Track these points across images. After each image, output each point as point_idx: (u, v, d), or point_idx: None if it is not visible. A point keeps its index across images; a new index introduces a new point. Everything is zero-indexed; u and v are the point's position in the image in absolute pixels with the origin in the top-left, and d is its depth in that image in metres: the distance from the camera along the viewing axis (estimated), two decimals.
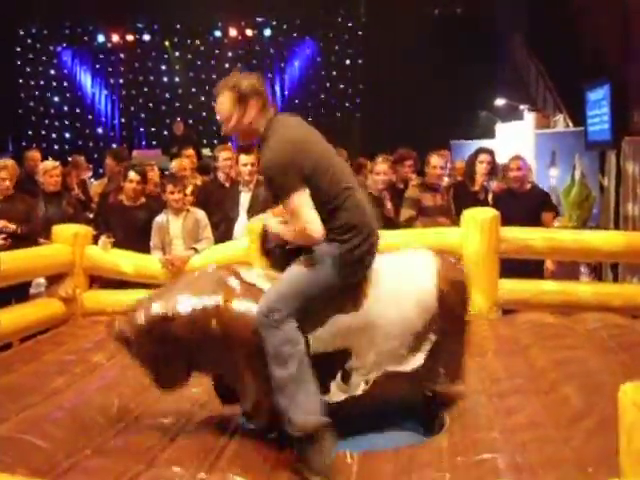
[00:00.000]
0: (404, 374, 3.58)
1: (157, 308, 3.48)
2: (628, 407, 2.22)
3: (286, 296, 3.36)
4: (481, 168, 6.85)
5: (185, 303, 3.47)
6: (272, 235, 3.67)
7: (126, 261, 6.26)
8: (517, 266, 6.06)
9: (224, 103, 3.55)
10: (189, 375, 3.64)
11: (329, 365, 3.54)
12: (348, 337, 3.55)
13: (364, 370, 3.57)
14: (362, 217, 3.46)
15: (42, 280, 6.41)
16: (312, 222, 3.30)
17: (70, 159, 9.47)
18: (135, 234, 6.37)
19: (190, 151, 8.85)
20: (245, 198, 6.70)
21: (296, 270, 3.43)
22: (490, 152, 7.02)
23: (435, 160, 6.76)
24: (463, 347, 3.89)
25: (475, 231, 5.79)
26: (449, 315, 3.68)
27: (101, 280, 6.64)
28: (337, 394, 3.55)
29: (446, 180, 7.33)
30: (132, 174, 6.55)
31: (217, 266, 3.81)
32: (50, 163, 7.26)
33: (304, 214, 3.30)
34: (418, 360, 3.62)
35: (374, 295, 3.58)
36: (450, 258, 4.00)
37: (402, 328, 3.57)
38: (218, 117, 3.61)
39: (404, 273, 3.71)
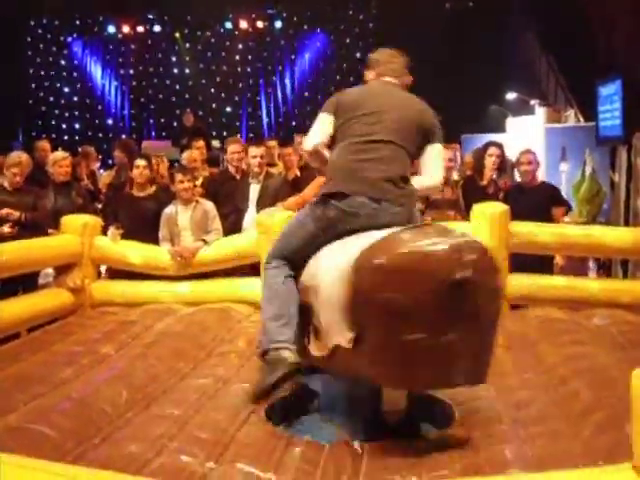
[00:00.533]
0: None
1: None
2: None
3: (275, 243, 3.99)
4: (490, 162, 6.82)
5: None
6: None
7: (134, 252, 6.27)
8: (527, 261, 6.04)
9: None
10: None
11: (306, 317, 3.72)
12: (307, 293, 3.70)
13: (322, 334, 3.57)
14: (338, 172, 3.76)
15: (50, 270, 6.43)
16: (308, 135, 3.99)
17: (80, 149, 9.48)
18: (144, 225, 6.38)
19: (201, 142, 8.85)
20: (254, 190, 6.70)
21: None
22: (499, 146, 6.99)
23: (445, 153, 6.73)
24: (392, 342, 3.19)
25: (485, 226, 5.77)
26: (365, 302, 3.22)
27: (110, 271, 6.66)
28: (313, 348, 3.66)
29: (455, 174, 7.30)
30: (139, 160, 6.60)
31: None
32: (60, 154, 7.27)
33: (312, 128, 3.99)
34: (341, 338, 3.37)
35: (326, 263, 3.61)
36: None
37: (330, 303, 3.45)
38: None
39: (351, 247, 3.46)
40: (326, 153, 3.95)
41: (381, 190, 3.67)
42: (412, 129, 3.88)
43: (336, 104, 3.94)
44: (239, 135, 18.72)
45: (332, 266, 3.54)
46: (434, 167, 3.99)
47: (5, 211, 6.25)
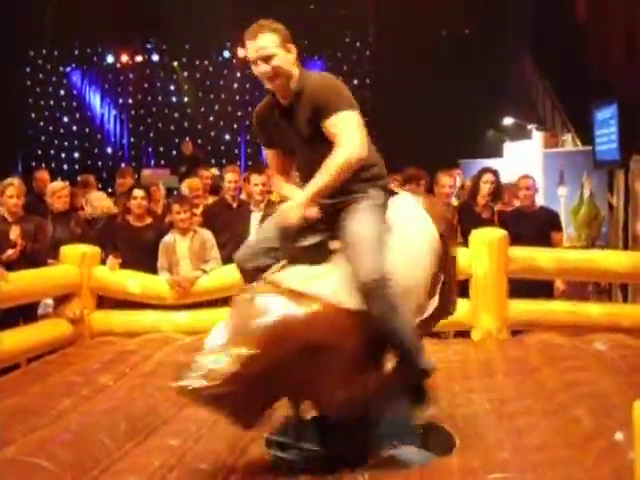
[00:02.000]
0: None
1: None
2: None
3: (375, 251, 3.29)
4: (485, 188, 6.81)
5: None
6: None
7: (133, 282, 6.27)
8: (527, 286, 6.04)
9: (268, 43, 3.56)
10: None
11: None
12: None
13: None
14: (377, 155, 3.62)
15: (50, 301, 6.41)
16: (364, 142, 3.37)
17: (79, 178, 9.48)
18: (142, 254, 6.38)
19: (207, 172, 8.91)
20: (256, 218, 6.70)
21: (364, 224, 3.36)
22: (494, 172, 6.99)
23: (445, 179, 6.75)
24: (454, 279, 3.92)
25: (483, 251, 5.78)
26: (448, 252, 3.74)
27: (109, 301, 6.65)
28: None
29: (454, 200, 7.32)
30: (136, 191, 6.59)
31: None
32: (58, 184, 7.27)
33: (360, 132, 3.37)
34: (433, 304, 3.66)
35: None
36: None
37: (419, 281, 3.54)
38: (255, 56, 3.58)
39: (402, 223, 3.56)
40: None
41: None
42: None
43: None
44: (238, 163, 18.77)
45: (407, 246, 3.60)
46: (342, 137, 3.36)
47: (16, 234, 6.17)
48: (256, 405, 3.28)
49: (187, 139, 14.25)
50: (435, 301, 3.68)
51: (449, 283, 3.78)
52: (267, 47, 3.53)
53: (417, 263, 3.53)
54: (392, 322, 3.29)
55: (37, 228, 6.41)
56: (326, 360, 3.25)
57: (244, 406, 3.22)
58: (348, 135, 3.33)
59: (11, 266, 5.92)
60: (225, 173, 7.34)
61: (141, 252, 6.40)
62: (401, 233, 3.53)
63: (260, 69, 3.53)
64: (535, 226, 6.54)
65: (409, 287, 3.47)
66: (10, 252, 6.01)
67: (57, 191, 6.95)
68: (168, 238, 6.34)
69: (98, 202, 7.42)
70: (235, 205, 7.00)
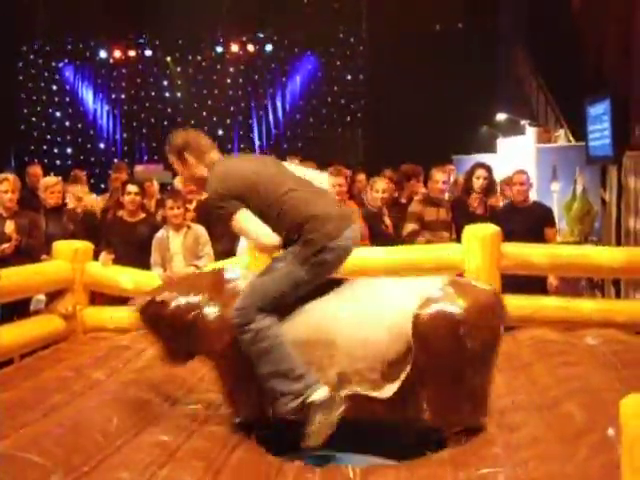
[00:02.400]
0: (380, 400, 3.54)
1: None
2: (630, 419, 2.20)
3: (253, 297, 3.64)
4: (477, 183, 6.83)
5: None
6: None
7: (126, 277, 6.24)
8: (520, 282, 6.03)
9: (172, 164, 3.96)
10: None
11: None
12: (306, 349, 3.61)
13: (330, 386, 3.57)
14: (308, 212, 3.63)
15: (42, 297, 6.38)
16: (260, 234, 3.69)
17: (71, 174, 9.45)
18: (135, 250, 6.37)
19: None
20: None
21: (262, 274, 3.77)
22: (486, 167, 7.01)
23: (438, 175, 6.75)
24: (474, 384, 3.63)
25: (476, 247, 5.77)
26: (432, 346, 3.50)
27: (103, 296, 6.63)
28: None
29: (447, 195, 7.33)
30: (130, 186, 6.58)
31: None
32: (51, 179, 7.25)
33: (250, 229, 3.71)
34: (392, 389, 3.53)
35: (343, 311, 3.63)
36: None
37: (367, 351, 3.51)
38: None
39: (392, 296, 3.65)
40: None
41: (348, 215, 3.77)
42: None
43: (234, 192, 3.71)
44: None
45: (368, 315, 3.60)
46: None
47: (12, 228, 6.14)
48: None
49: None
50: (393, 387, 3.53)
51: (440, 380, 3.56)
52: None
53: (365, 335, 3.54)
54: (255, 365, 3.60)
55: (31, 223, 6.39)
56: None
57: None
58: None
59: (6, 261, 5.90)
60: None
61: (134, 248, 6.39)
62: (368, 303, 3.61)
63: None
64: (528, 221, 6.55)
65: (350, 352, 3.53)
66: (5, 246, 6.00)
67: (50, 186, 6.94)
68: (161, 234, 6.32)
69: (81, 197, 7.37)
70: None
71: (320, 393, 3.46)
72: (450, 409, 3.58)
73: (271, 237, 3.66)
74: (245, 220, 3.68)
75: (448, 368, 3.53)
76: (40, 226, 6.55)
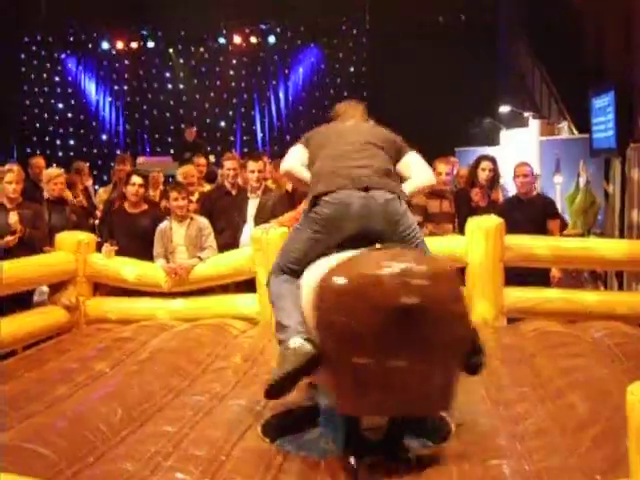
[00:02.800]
0: None
1: None
2: (636, 406, 2.20)
3: (277, 258, 3.93)
4: (483, 175, 6.84)
5: None
6: None
7: (129, 269, 6.25)
8: (523, 274, 6.04)
9: None
10: None
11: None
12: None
13: None
14: (314, 170, 3.90)
15: (45, 288, 6.39)
16: (285, 160, 4.12)
17: (73, 165, 9.45)
18: (138, 242, 6.37)
19: (202, 160, 8.91)
20: (253, 205, 6.70)
21: None
22: (492, 159, 7.01)
23: (441, 167, 6.74)
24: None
25: (480, 239, 5.78)
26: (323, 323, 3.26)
27: (105, 288, 6.64)
28: None
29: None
30: (134, 177, 6.56)
31: None
32: (54, 171, 7.24)
33: (286, 157, 4.14)
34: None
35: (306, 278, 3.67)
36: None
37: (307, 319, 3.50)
38: None
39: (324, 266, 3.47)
40: (304, 173, 4.02)
41: (366, 181, 3.73)
42: (384, 144, 4.03)
43: (308, 137, 4.14)
44: (234, 150, 18.73)
45: (305, 283, 3.61)
46: (420, 168, 4.13)
47: (15, 219, 6.14)
48: None
49: (193, 126, 14.16)
50: None
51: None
52: None
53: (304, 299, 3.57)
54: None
55: (35, 215, 6.39)
56: None
57: None
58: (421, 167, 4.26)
59: (10, 252, 5.91)
60: (224, 161, 7.32)
61: (136, 239, 6.39)
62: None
63: None
64: (532, 213, 6.56)
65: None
66: (10, 238, 6.00)
67: (53, 178, 6.93)
68: (164, 225, 6.32)
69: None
70: (234, 192, 6.99)
71: (295, 341, 3.40)
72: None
73: (285, 166, 4.09)
74: (291, 150, 4.12)
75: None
76: (43, 217, 6.56)
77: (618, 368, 4.29)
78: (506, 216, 6.06)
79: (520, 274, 6.02)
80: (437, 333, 3.06)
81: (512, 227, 5.95)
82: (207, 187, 8.25)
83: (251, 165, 6.74)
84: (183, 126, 15.32)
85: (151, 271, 6.24)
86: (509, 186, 8.31)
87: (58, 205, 6.91)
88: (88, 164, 10.17)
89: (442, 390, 3.17)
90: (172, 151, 17.63)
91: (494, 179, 6.93)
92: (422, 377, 3.08)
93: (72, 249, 6.21)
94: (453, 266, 3.43)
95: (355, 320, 3.05)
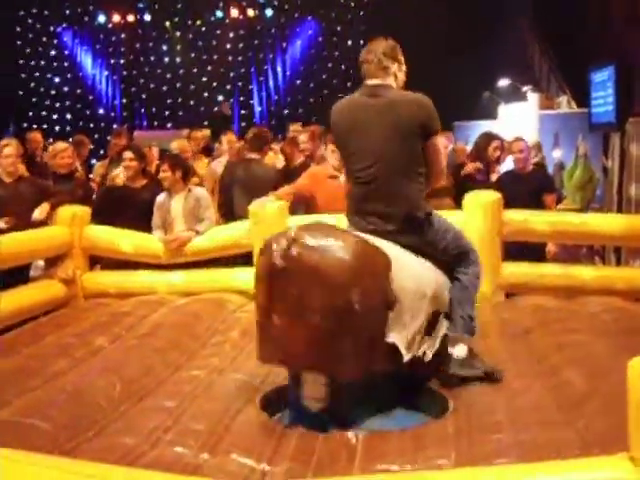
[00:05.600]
0: None
1: None
2: (636, 381, 2.21)
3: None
4: (494, 154, 6.93)
5: None
6: None
7: (126, 240, 6.24)
8: (519, 248, 6.04)
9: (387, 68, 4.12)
10: None
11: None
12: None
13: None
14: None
15: (41, 263, 6.37)
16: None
17: (72, 138, 9.40)
18: (137, 215, 6.36)
19: (200, 133, 8.90)
20: None
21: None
22: (499, 138, 7.11)
23: (441, 141, 6.73)
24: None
25: (478, 214, 5.77)
26: None
27: (103, 260, 6.63)
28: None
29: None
30: (126, 152, 6.60)
31: None
32: (61, 145, 7.14)
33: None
34: None
35: None
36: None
37: None
38: None
39: None
40: None
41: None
42: (401, 135, 3.86)
43: (332, 130, 4.16)
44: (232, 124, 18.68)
45: None
46: (433, 164, 4.01)
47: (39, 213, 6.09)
48: None
49: (227, 100, 14.13)
50: None
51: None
52: None
53: None
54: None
55: (40, 191, 6.28)
56: None
57: None
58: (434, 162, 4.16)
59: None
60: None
61: (135, 213, 6.37)
62: None
63: None
64: (529, 188, 6.57)
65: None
66: (2, 225, 5.92)
67: (59, 152, 6.86)
68: (162, 197, 6.31)
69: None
70: None
71: None
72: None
73: None
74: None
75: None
76: (51, 194, 6.41)
77: (615, 343, 4.29)
78: (503, 190, 6.06)
79: (516, 249, 6.03)
80: (307, 298, 3.38)
81: (509, 201, 5.95)
82: (205, 161, 8.24)
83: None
84: (170, 101, 15.36)
85: (148, 242, 6.23)
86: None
87: (66, 180, 6.83)
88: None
89: (321, 353, 3.44)
90: (169, 124, 17.59)
91: (501, 157, 7.02)
92: (299, 336, 3.42)
93: (67, 222, 6.18)
94: (361, 248, 3.53)
95: (256, 281, 3.60)
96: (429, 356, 3.76)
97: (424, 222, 3.89)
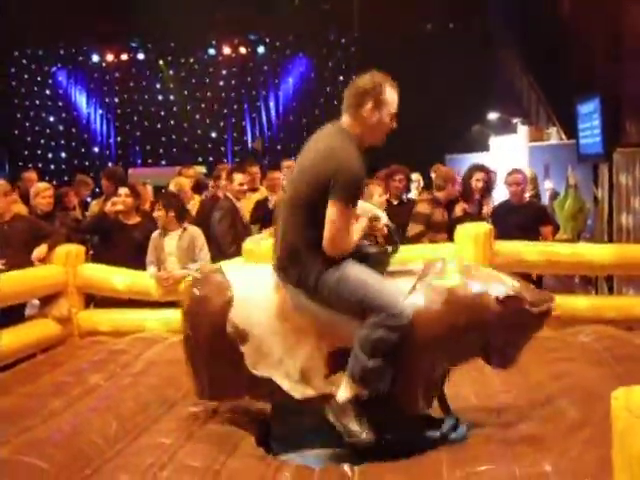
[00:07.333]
0: None
1: None
2: (620, 411, 2.25)
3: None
4: (477, 185, 6.93)
5: None
6: None
7: (119, 278, 6.28)
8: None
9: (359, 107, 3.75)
10: None
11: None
12: None
13: None
14: None
15: (37, 301, 6.40)
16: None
17: (77, 177, 9.51)
18: (130, 252, 6.42)
19: (191, 171, 9.00)
20: None
21: None
22: (484, 170, 7.10)
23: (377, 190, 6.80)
24: None
25: (469, 245, 5.81)
26: None
27: (96, 299, 6.66)
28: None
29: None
30: (121, 189, 6.67)
31: None
32: (42, 185, 7.29)
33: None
34: None
35: None
36: None
37: None
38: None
39: None
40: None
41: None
42: (303, 183, 3.55)
43: None
44: (225, 160, 18.78)
45: None
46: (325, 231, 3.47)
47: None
48: None
49: (259, 137, 14.26)
50: None
51: None
52: None
53: None
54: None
55: (32, 226, 6.33)
56: None
57: None
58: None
59: None
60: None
61: (128, 250, 6.44)
62: None
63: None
64: (524, 219, 6.62)
65: None
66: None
67: (41, 192, 6.96)
68: (157, 233, 6.36)
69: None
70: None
71: None
72: None
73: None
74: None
75: None
76: (42, 226, 6.45)
77: (608, 372, 4.32)
78: (498, 222, 6.11)
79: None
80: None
81: (504, 233, 6.00)
82: (196, 198, 8.31)
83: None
84: (164, 139, 15.36)
85: (141, 280, 6.27)
86: (498, 193, 8.37)
87: (47, 219, 6.90)
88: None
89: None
90: (163, 162, 17.66)
91: (486, 189, 7.02)
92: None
93: (61, 261, 6.22)
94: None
95: None
96: (341, 396, 3.54)
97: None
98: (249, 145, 19.67)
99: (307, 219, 3.49)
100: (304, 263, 3.51)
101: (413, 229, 6.65)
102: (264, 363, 3.67)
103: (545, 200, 10.09)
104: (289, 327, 3.66)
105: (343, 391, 3.52)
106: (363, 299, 3.45)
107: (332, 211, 3.40)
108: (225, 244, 6.78)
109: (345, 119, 3.68)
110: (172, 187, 7.82)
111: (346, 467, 3.37)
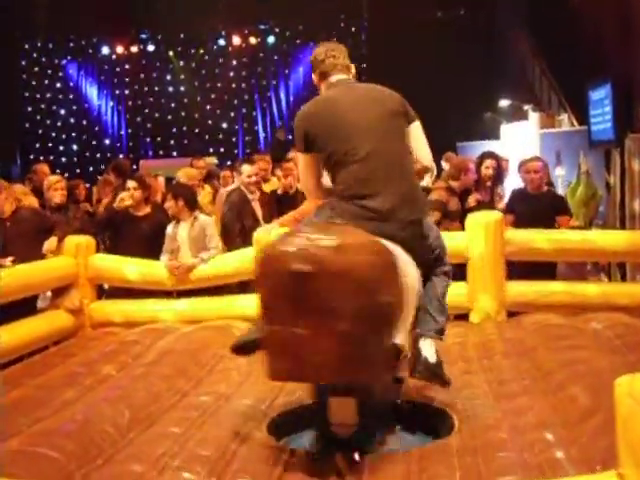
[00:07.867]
0: None
1: None
2: (623, 398, 2.24)
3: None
4: (487, 173, 6.86)
5: None
6: None
7: (132, 268, 6.30)
8: (528, 267, 6.06)
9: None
10: None
11: None
12: None
13: None
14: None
15: (49, 293, 6.43)
16: (305, 186, 3.87)
17: (100, 177, 9.60)
18: (140, 243, 6.45)
19: (201, 162, 9.01)
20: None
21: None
22: (495, 156, 7.03)
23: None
24: None
25: (480, 234, 5.80)
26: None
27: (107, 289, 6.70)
28: None
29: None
30: (129, 182, 6.71)
31: None
32: (54, 177, 7.31)
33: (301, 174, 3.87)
34: None
35: None
36: None
37: None
38: None
39: None
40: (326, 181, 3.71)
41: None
42: (390, 122, 3.67)
43: (305, 137, 3.63)
44: (235, 151, 18.81)
45: None
46: (420, 148, 3.80)
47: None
48: None
49: (281, 125, 14.21)
50: None
51: None
52: None
53: None
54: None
55: (42, 220, 6.38)
56: None
57: None
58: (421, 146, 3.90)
59: None
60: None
61: (138, 240, 6.48)
62: None
63: None
64: (540, 208, 6.53)
65: None
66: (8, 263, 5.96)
67: (53, 184, 6.98)
68: (172, 223, 6.41)
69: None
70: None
71: None
72: None
73: (314, 195, 3.83)
74: (301, 165, 3.81)
75: None
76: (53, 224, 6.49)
77: (619, 360, 4.31)
78: (514, 209, 6.06)
79: (526, 269, 6.04)
80: (336, 302, 3.09)
81: (519, 221, 5.96)
82: (207, 189, 8.32)
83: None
84: (174, 130, 15.30)
85: (154, 269, 6.29)
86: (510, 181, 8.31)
87: (60, 211, 6.92)
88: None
89: (355, 360, 3.17)
90: (175, 153, 17.69)
91: (497, 176, 6.96)
92: (326, 346, 3.10)
93: (72, 253, 6.25)
94: (377, 248, 3.32)
95: (265, 288, 3.28)
96: (432, 356, 3.65)
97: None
98: (260, 135, 19.67)
99: (403, 153, 3.70)
100: (422, 206, 3.73)
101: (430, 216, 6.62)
102: (402, 330, 3.44)
103: (558, 188, 10.04)
104: (415, 287, 3.57)
105: (431, 350, 3.68)
106: (441, 244, 3.86)
107: (419, 127, 3.80)
108: (231, 235, 6.81)
109: (349, 76, 3.96)
110: (179, 177, 7.83)
111: (357, 456, 3.38)
